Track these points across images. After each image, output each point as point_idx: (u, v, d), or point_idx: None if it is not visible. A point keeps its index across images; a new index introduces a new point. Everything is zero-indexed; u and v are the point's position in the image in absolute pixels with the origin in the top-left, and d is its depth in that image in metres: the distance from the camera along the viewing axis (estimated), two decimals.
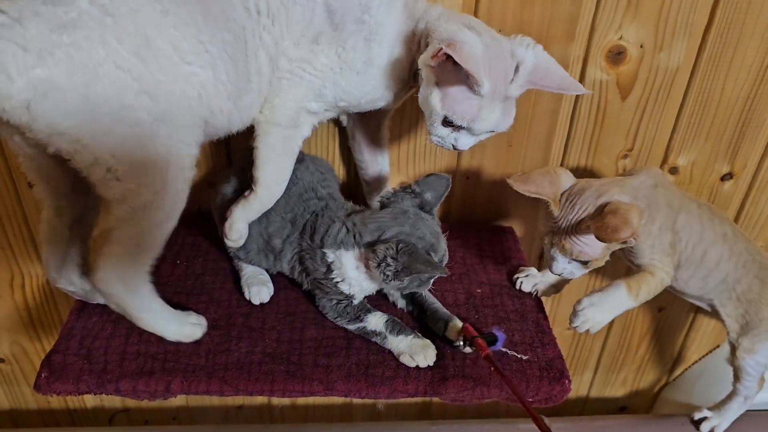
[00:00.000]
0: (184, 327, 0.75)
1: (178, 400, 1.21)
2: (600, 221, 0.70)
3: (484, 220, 1.00)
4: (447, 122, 0.71)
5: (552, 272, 0.79)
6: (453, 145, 0.73)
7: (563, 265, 0.77)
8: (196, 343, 0.75)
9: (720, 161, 0.97)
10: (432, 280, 0.74)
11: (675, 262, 0.82)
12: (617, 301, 0.78)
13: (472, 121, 0.70)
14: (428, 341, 0.74)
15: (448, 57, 0.64)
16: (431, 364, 0.73)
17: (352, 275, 0.74)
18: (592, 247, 0.74)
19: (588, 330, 0.79)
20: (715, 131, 0.93)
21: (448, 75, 0.68)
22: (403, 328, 0.75)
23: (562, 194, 0.75)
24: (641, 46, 0.85)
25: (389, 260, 0.69)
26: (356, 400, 1.23)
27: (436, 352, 0.73)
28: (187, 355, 0.74)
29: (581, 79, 0.87)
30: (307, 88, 0.73)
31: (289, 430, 1.08)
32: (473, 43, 0.66)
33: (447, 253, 0.74)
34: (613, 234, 0.69)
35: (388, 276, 0.70)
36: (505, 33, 0.81)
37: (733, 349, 0.93)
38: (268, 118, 0.74)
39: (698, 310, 1.14)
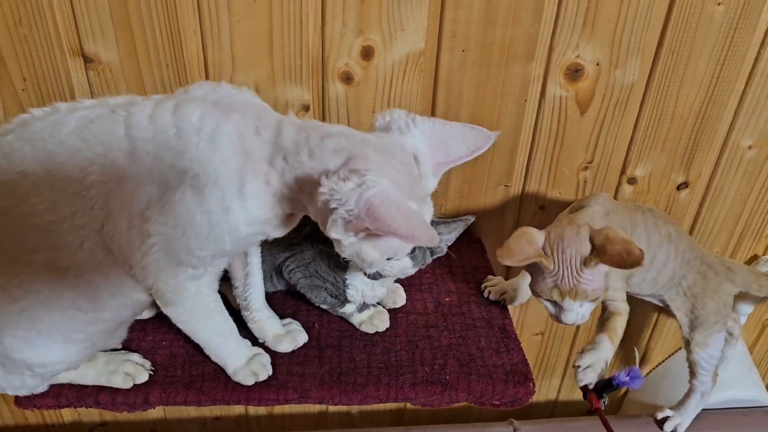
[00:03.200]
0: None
1: (156, 412, 1.22)
2: (608, 254, 0.71)
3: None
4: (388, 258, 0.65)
5: (566, 324, 0.79)
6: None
7: (576, 312, 0.77)
8: (173, 355, 0.77)
9: (675, 171, 1.01)
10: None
11: (626, 277, 0.87)
12: (605, 353, 0.83)
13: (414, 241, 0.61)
14: (382, 308, 0.84)
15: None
16: (386, 327, 0.82)
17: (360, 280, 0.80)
18: (597, 281, 0.75)
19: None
20: (670, 143, 0.98)
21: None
22: (365, 306, 0.83)
23: (543, 249, 0.75)
24: (597, 64, 0.90)
25: None
26: (331, 408, 1.26)
27: (387, 316, 0.82)
28: (164, 366, 0.76)
29: (542, 96, 0.91)
30: (168, 264, 0.64)
31: None
32: (393, 199, 0.55)
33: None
34: (630, 257, 0.69)
35: None
36: (468, 54, 0.86)
37: (687, 343, 0.98)
38: (161, 303, 0.68)
39: (660, 312, 1.19)
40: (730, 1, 0.86)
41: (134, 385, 0.73)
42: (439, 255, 0.78)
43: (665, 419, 1.11)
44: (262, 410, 1.24)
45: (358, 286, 0.79)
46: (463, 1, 0.83)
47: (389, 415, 1.29)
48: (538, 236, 0.76)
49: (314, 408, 1.25)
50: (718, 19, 0.87)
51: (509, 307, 0.90)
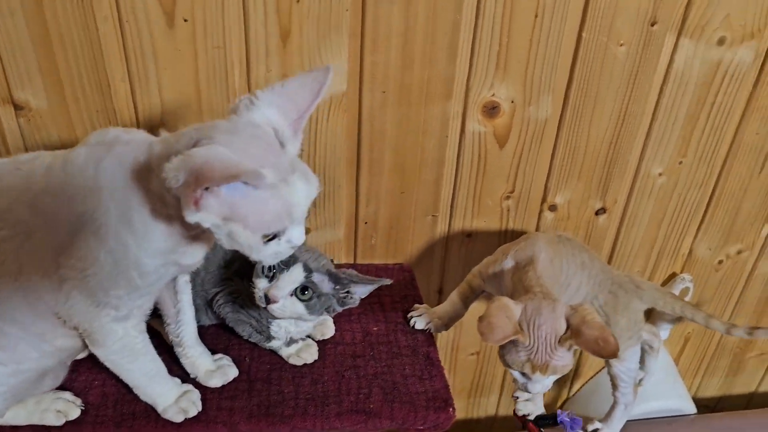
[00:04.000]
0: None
1: None
2: (584, 338, 0.74)
3: (384, 261, 1.08)
4: (268, 238, 0.62)
5: (532, 393, 0.82)
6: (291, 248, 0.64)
7: (543, 383, 0.80)
8: (105, 394, 0.80)
9: (593, 198, 1.08)
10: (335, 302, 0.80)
11: None
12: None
13: (289, 214, 0.61)
14: (310, 341, 0.87)
15: (208, 189, 0.56)
16: (314, 359, 0.85)
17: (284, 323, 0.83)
18: (568, 358, 0.78)
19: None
20: (586, 172, 1.04)
21: (222, 202, 0.58)
22: (293, 341, 0.85)
23: (519, 322, 0.77)
24: (512, 102, 0.95)
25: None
26: None
27: (316, 348, 0.86)
28: (95, 406, 0.78)
29: (462, 132, 0.96)
30: (90, 306, 0.65)
31: None
32: (212, 152, 0.56)
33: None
34: (606, 346, 0.73)
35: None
36: (389, 95, 0.91)
37: (606, 360, 1.04)
38: (89, 343, 0.70)
39: None
40: (631, 43, 0.92)
41: (66, 423, 0.75)
42: (351, 306, 0.81)
43: (594, 431, 1.16)
44: None
45: (281, 323, 0.83)
46: (380, 46, 0.87)
47: None
48: (515, 309, 0.77)
49: None
50: (621, 59, 0.93)
51: (434, 334, 0.94)
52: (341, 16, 0.84)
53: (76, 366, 0.83)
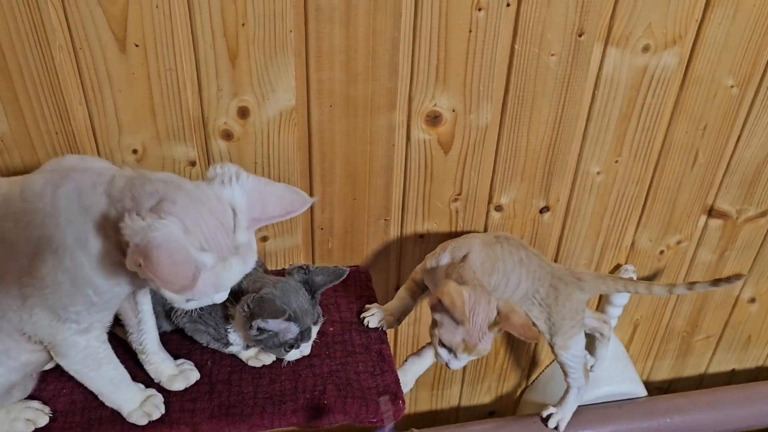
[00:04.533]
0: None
1: None
2: (512, 322, 0.86)
3: (341, 264, 1.13)
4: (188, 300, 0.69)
5: (451, 368, 0.92)
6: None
7: (463, 362, 0.90)
8: (72, 401, 0.85)
9: (536, 197, 1.14)
10: (294, 349, 0.87)
11: None
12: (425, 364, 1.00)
13: (217, 287, 0.68)
14: None
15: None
16: (271, 361, 0.91)
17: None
18: (490, 342, 0.89)
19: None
20: (528, 173, 1.10)
21: None
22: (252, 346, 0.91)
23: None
24: (453, 110, 1.01)
25: (245, 308, 0.82)
26: None
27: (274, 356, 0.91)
28: (64, 413, 0.83)
29: (407, 140, 1.02)
30: (52, 321, 0.70)
31: None
32: (167, 242, 0.60)
33: (311, 333, 0.88)
34: (529, 331, 0.86)
35: (247, 327, 0.83)
36: (336, 108, 0.96)
37: (552, 347, 1.10)
38: (54, 354, 0.74)
39: None
40: (562, 53, 0.98)
41: (36, 430, 0.80)
42: (321, 323, 0.89)
43: (549, 416, 1.23)
44: None
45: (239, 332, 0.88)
46: (325, 64, 0.93)
47: None
48: (464, 293, 0.86)
49: None
50: (553, 68, 1.00)
51: (387, 331, 1.00)
52: (285, 37, 0.90)
53: (45, 376, 0.88)
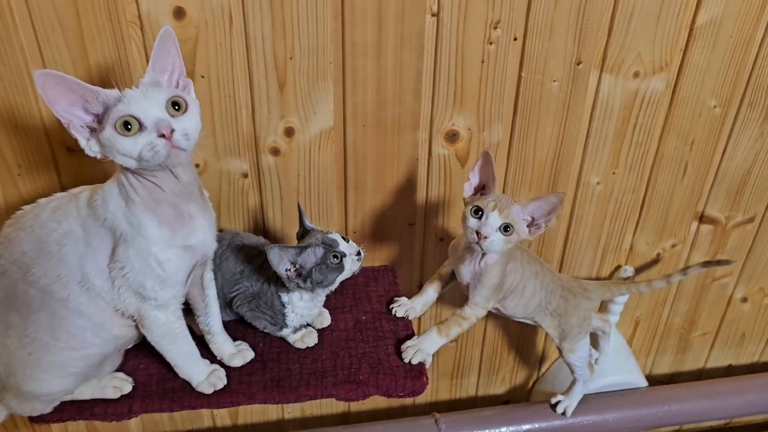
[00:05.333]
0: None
1: (136, 428, 1.44)
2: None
3: (372, 263, 1.29)
4: (125, 128, 0.75)
5: (483, 234, 0.95)
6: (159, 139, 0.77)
7: (493, 228, 0.95)
8: (149, 374, 1.01)
9: None
10: (341, 261, 0.98)
11: (500, 297, 1.09)
12: (431, 340, 1.07)
13: (117, 107, 0.76)
14: (311, 329, 1.08)
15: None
16: (315, 342, 1.06)
17: (299, 304, 1.03)
18: (519, 217, 0.97)
19: (423, 360, 1.05)
20: (535, 183, 1.25)
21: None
22: (297, 329, 1.07)
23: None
24: (469, 129, 1.17)
25: (286, 270, 0.98)
26: (287, 416, 1.49)
27: (316, 334, 1.07)
28: (143, 384, 1.00)
29: (429, 155, 1.18)
30: (136, 299, 0.87)
31: None
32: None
33: (340, 244, 0.99)
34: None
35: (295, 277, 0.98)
36: (368, 128, 1.12)
37: (560, 351, 1.22)
38: (141, 327, 0.91)
39: None
40: (562, 79, 1.14)
41: (121, 397, 0.97)
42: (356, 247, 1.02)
43: (557, 403, 1.37)
44: (227, 421, 1.47)
45: (296, 308, 1.03)
46: (359, 90, 1.09)
47: (338, 418, 1.53)
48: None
49: (272, 415, 1.48)
50: (555, 92, 1.15)
51: (412, 319, 1.15)
52: (326, 68, 1.06)
53: (126, 354, 1.04)
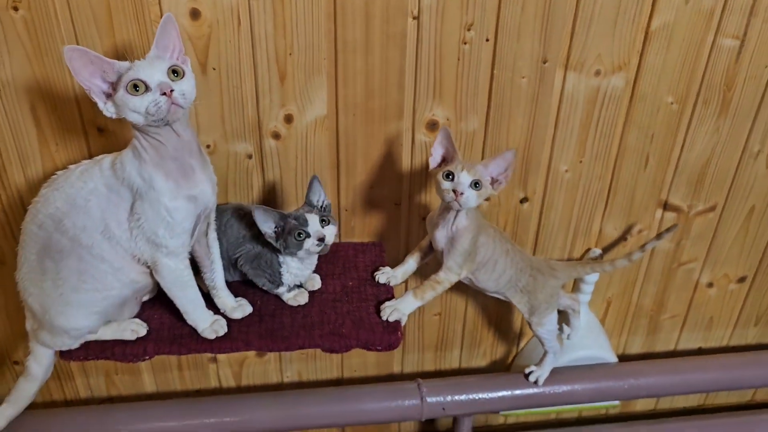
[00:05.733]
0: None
1: (150, 387, 1.60)
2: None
3: (362, 239, 1.45)
4: (134, 89, 0.93)
5: (459, 198, 1.10)
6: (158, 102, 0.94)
7: (465, 184, 1.11)
8: (162, 322, 1.17)
9: (517, 189, 1.43)
10: (306, 239, 1.12)
11: (472, 267, 1.23)
12: (407, 302, 1.22)
13: (128, 74, 0.93)
14: (304, 290, 1.23)
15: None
16: (305, 301, 1.22)
17: (293, 265, 1.19)
18: (485, 175, 1.13)
19: (399, 319, 1.20)
20: None
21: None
22: (292, 288, 1.22)
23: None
24: (447, 119, 1.32)
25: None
26: (286, 380, 1.65)
27: (307, 294, 1.22)
28: (156, 330, 1.16)
29: (412, 142, 1.33)
30: (150, 247, 1.03)
31: (232, 399, 1.48)
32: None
33: (308, 220, 1.13)
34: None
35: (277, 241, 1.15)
36: (358, 116, 1.28)
37: (530, 325, 1.36)
38: (154, 274, 1.07)
39: None
40: (530, 76, 1.29)
41: (137, 340, 1.13)
42: (330, 209, 1.20)
43: (530, 373, 1.51)
44: (231, 382, 1.63)
45: (291, 269, 1.19)
46: (349, 83, 1.25)
47: (332, 382, 1.68)
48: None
49: (273, 379, 1.64)
50: (525, 87, 1.30)
51: (393, 286, 1.30)
52: (321, 63, 1.22)
53: (143, 306, 1.21)
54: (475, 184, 1.12)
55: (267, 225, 1.14)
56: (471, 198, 1.12)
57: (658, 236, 1.35)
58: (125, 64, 0.96)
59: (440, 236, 1.21)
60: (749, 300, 1.71)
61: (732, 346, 1.81)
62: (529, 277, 1.30)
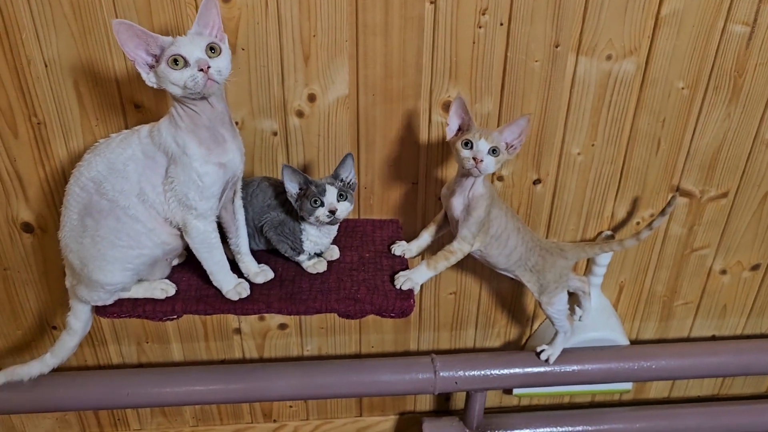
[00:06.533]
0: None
1: (178, 355, 1.69)
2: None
3: (380, 216, 1.51)
4: (174, 63, 1.01)
5: (480, 165, 1.16)
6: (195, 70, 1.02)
7: (484, 151, 1.16)
8: (189, 284, 1.26)
9: (530, 171, 1.48)
10: (320, 207, 1.19)
11: (485, 239, 1.28)
12: (420, 272, 1.28)
13: (170, 48, 1.01)
14: (323, 259, 1.30)
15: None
16: (324, 270, 1.28)
17: (313, 233, 1.26)
18: (501, 141, 1.19)
19: (412, 288, 1.26)
20: (522, 151, 1.45)
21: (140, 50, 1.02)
22: (312, 256, 1.29)
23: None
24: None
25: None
26: (306, 353, 1.72)
27: (326, 263, 1.28)
28: (184, 290, 1.24)
29: (429, 122, 1.40)
30: (181, 209, 1.10)
31: (255, 367, 1.56)
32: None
33: (326, 191, 1.20)
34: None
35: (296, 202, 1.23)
36: (377, 96, 1.35)
37: (540, 304, 1.41)
38: (185, 235, 1.14)
39: None
40: (543, 59, 1.34)
41: (167, 298, 1.22)
42: (354, 188, 1.26)
43: (542, 351, 1.56)
44: (254, 353, 1.71)
45: (310, 236, 1.26)
46: (369, 64, 1.32)
47: (350, 357, 1.74)
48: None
49: (294, 352, 1.71)
50: (538, 71, 1.35)
51: (408, 258, 1.36)
52: (343, 45, 1.30)
53: (173, 269, 1.29)
54: (493, 151, 1.18)
55: (292, 184, 1.22)
56: (490, 164, 1.18)
57: (663, 211, 1.39)
58: (168, 39, 1.04)
59: (457, 203, 1.26)
60: (763, 288, 1.73)
61: (746, 335, 1.83)
62: (538, 257, 1.35)
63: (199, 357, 1.70)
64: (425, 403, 1.88)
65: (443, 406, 1.89)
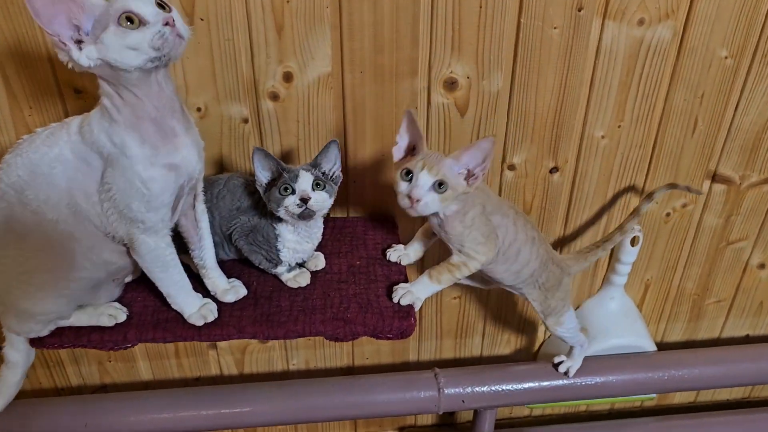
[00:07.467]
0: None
1: (147, 375, 1.49)
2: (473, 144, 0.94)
3: (372, 213, 1.30)
4: (128, 21, 0.78)
5: (414, 204, 0.95)
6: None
7: (423, 188, 0.94)
8: (145, 306, 1.04)
9: (546, 158, 1.27)
10: (290, 195, 0.99)
11: (494, 251, 1.04)
12: (423, 285, 1.06)
13: (114, 7, 0.78)
14: (305, 270, 1.11)
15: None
16: (307, 283, 1.09)
17: (290, 238, 1.05)
18: (452, 171, 0.95)
19: (413, 303, 1.05)
20: (537, 136, 1.24)
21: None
22: (292, 267, 1.09)
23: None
24: (468, 77, 1.16)
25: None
26: (292, 367, 1.52)
27: (309, 275, 1.09)
28: (138, 314, 1.03)
29: (428, 104, 1.18)
30: (124, 222, 0.89)
31: (232, 389, 1.36)
32: None
33: (299, 177, 1.00)
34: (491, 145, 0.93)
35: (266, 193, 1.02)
36: (366, 74, 1.13)
37: (547, 327, 1.21)
38: (132, 253, 0.94)
39: None
40: (563, 26, 1.12)
41: (116, 325, 1.00)
42: (338, 182, 1.06)
43: (560, 363, 1.36)
44: (233, 370, 1.50)
45: (287, 243, 1.05)
46: (356, 35, 1.10)
47: (342, 371, 1.55)
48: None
49: (278, 367, 1.51)
50: (557, 39, 1.14)
51: (405, 265, 1.16)
52: (323, 12, 1.07)
53: (125, 288, 1.08)
54: (439, 185, 0.95)
55: (263, 172, 1.02)
56: (431, 204, 0.96)
57: (649, 196, 1.20)
58: (98, 1, 0.81)
59: (434, 223, 1.05)
60: None
61: None
62: (550, 273, 1.14)
63: (171, 375, 1.50)
64: (428, 417, 1.69)
65: (447, 420, 1.70)
